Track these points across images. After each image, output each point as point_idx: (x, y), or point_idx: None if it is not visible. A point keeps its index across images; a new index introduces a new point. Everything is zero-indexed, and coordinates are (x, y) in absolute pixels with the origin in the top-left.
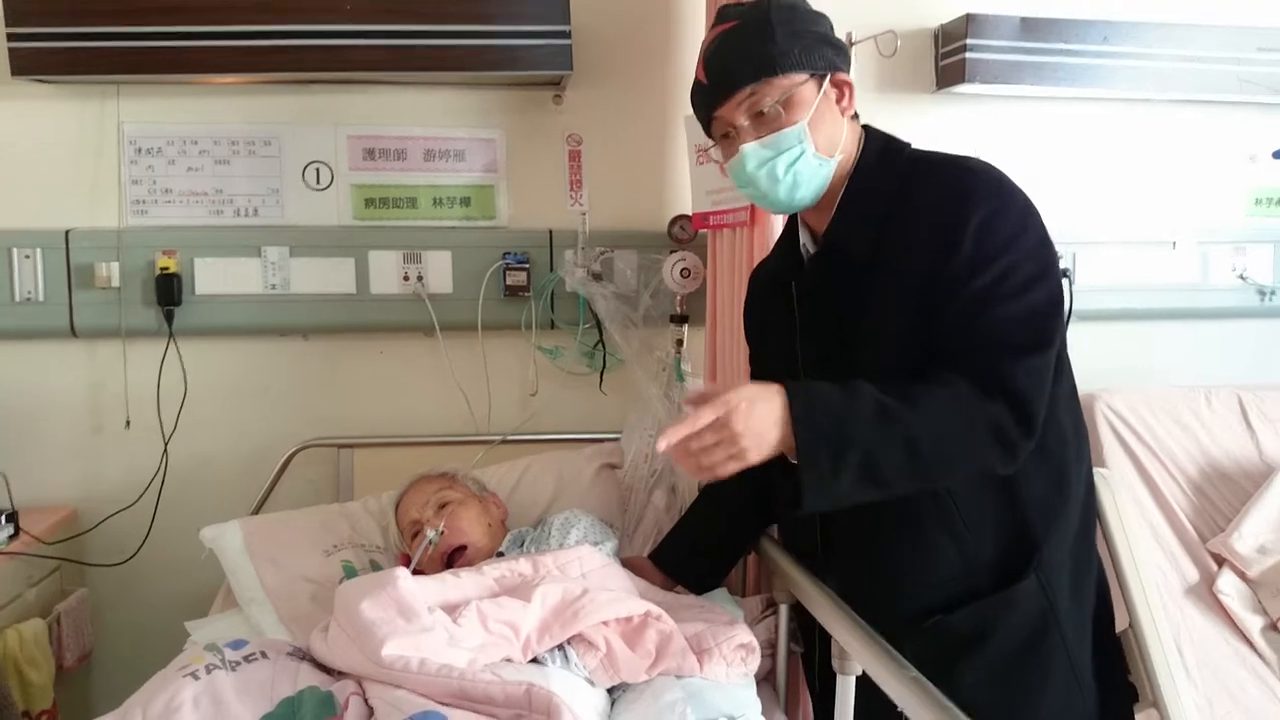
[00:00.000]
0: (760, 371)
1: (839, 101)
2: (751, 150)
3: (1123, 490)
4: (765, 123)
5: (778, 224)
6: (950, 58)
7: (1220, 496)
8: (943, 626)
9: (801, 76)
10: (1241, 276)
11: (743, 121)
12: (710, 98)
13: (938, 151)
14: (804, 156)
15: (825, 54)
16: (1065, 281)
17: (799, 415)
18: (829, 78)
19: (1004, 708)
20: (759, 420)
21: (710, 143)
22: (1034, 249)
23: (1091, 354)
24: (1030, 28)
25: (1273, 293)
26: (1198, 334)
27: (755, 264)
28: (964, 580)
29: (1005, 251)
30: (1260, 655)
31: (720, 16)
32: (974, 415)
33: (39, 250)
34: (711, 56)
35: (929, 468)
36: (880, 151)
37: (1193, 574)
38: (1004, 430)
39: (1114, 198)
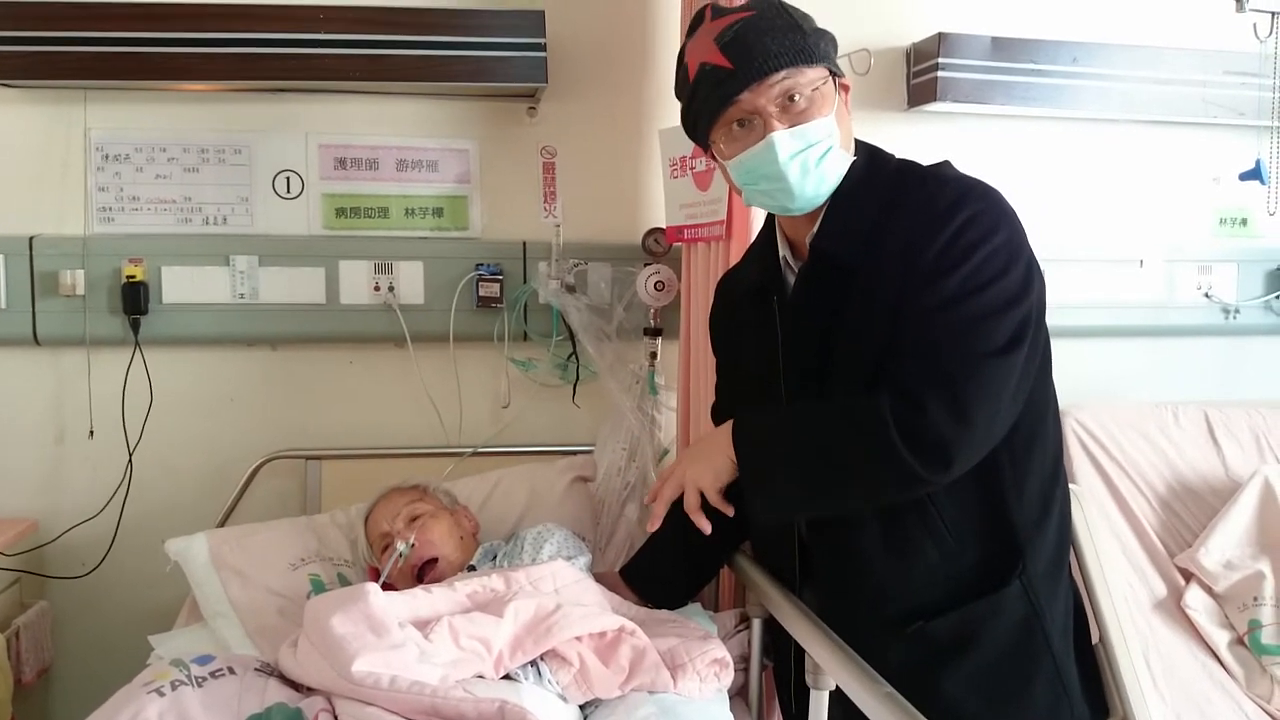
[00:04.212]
0: (732, 386)
1: (845, 105)
2: (783, 138)
3: (1092, 505)
4: (793, 112)
5: (753, 237)
6: (922, 76)
7: (1188, 512)
8: (925, 633)
9: (826, 72)
10: (1206, 295)
11: (772, 108)
12: (737, 80)
13: (921, 163)
14: (833, 150)
15: (835, 56)
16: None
17: (738, 437)
18: (838, 80)
19: (989, 713)
20: (699, 450)
21: (688, 153)
22: (999, 250)
23: (1059, 370)
24: (1001, 48)
25: (1237, 311)
26: (1163, 351)
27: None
28: (946, 584)
29: (967, 257)
30: (1227, 670)
31: (716, 11)
32: (870, 418)
33: (2, 257)
34: (733, 41)
35: (838, 475)
36: (867, 161)
37: (1160, 589)
38: (917, 430)
39: (1082, 216)
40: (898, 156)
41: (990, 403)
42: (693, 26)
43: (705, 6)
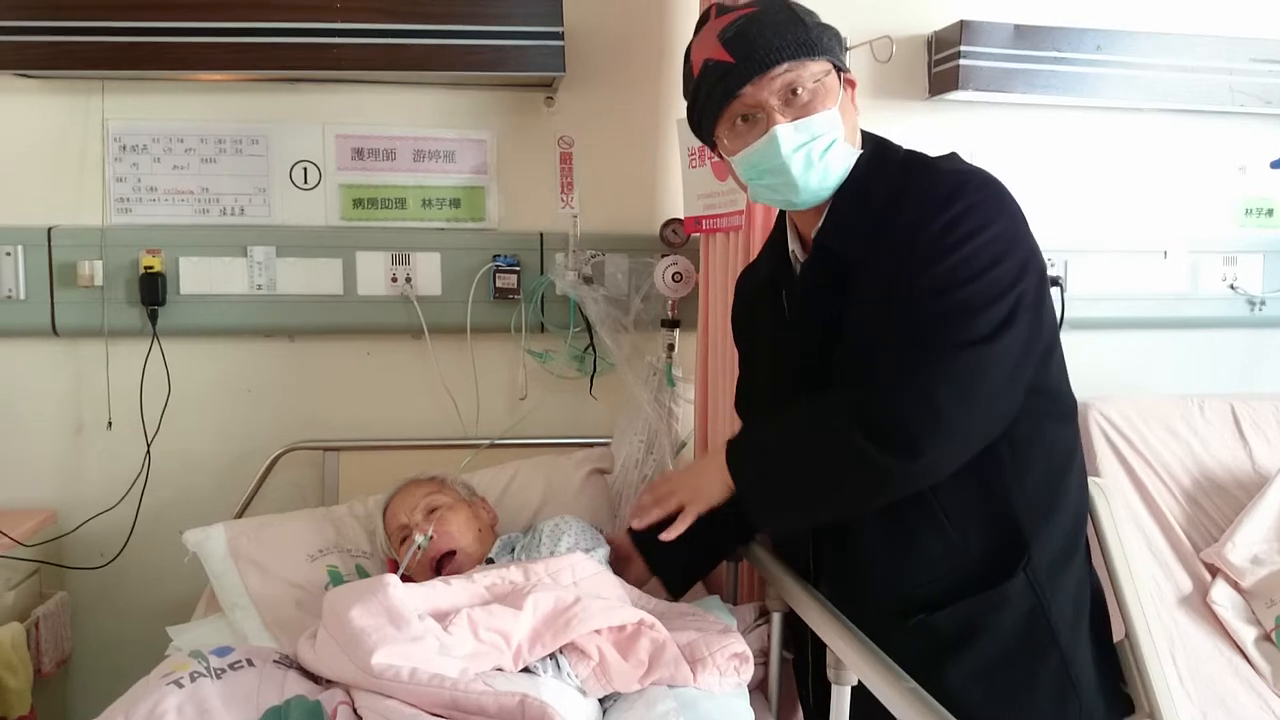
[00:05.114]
0: (750, 380)
1: (851, 100)
2: (786, 131)
3: (1118, 499)
4: (796, 106)
5: (771, 228)
6: (944, 64)
7: (1214, 506)
8: (928, 625)
9: (829, 65)
10: (1232, 286)
11: (774, 102)
12: (739, 74)
13: (927, 155)
14: (837, 143)
15: (840, 51)
16: (1056, 289)
17: (731, 461)
18: (843, 75)
19: (994, 706)
20: (696, 475)
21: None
22: (992, 241)
23: (1083, 363)
24: (1023, 35)
25: (1262, 303)
26: (1188, 343)
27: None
28: (950, 577)
29: (958, 247)
30: (1254, 666)
31: (720, 9)
32: (834, 421)
33: (20, 248)
34: (735, 36)
35: (823, 486)
36: (873, 154)
37: (1186, 584)
38: (880, 422)
39: (1106, 207)
40: (905, 148)
41: (963, 392)
42: (699, 26)
43: (710, 5)
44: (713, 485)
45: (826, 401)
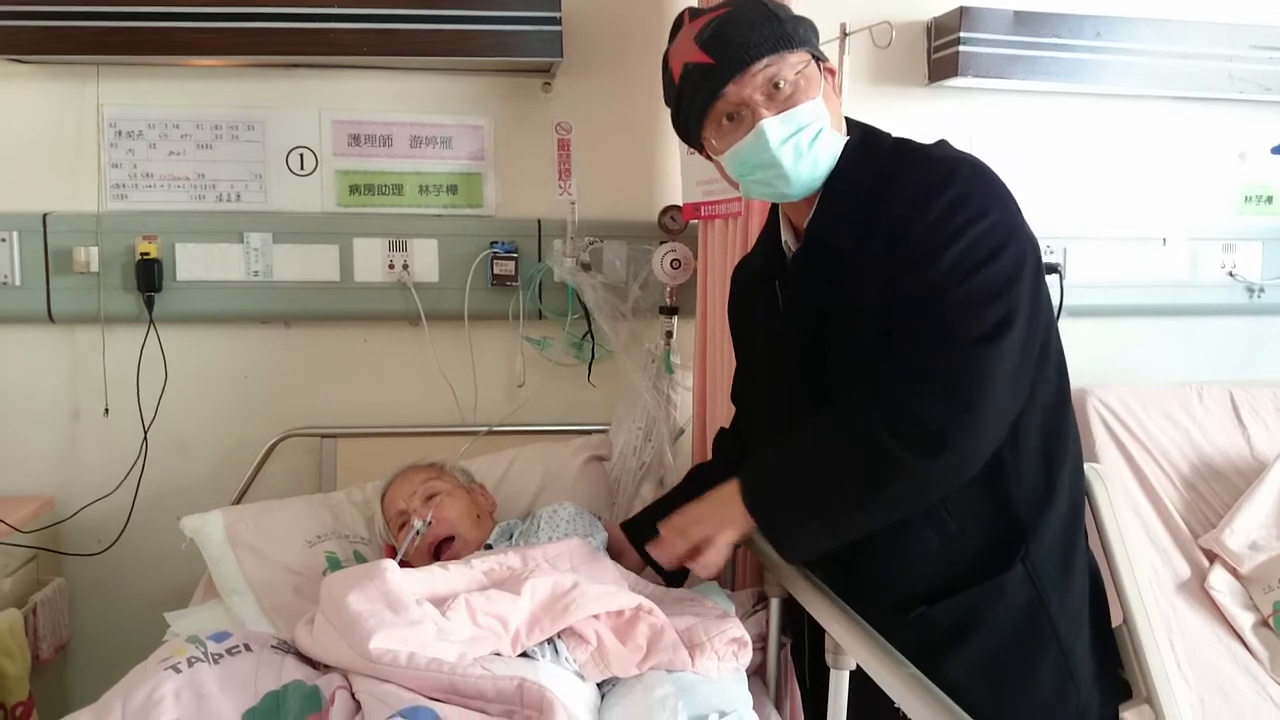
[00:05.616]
0: (747, 372)
1: (832, 88)
2: (773, 124)
3: (1116, 485)
4: (780, 99)
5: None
6: (943, 51)
7: (1212, 492)
8: (927, 618)
9: (808, 56)
10: (1231, 273)
11: (758, 97)
12: (721, 74)
13: (917, 141)
14: (824, 132)
15: (816, 41)
16: (1055, 277)
17: (749, 495)
18: (822, 64)
19: (993, 699)
20: (712, 513)
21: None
22: (989, 233)
23: (1081, 350)
24: (1023, 22)
25: (1261, 290)
26: (1187, 330)
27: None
28: (949, 570)
29: (956, 239)
30: (1251, 652)
31: (693, 13)
32: (857, 426)
33: (16, 234)
34: (713, 38)
35: (860, 506)
36: (861, 142)
37: (1184, 570)
38: (910, 427)
39: (1105, 194)
40: (893, 135)
41: (984, 387)
42: (673, 32)
43: (684, 10)
44: (741, 524)
45: (845, 408)
